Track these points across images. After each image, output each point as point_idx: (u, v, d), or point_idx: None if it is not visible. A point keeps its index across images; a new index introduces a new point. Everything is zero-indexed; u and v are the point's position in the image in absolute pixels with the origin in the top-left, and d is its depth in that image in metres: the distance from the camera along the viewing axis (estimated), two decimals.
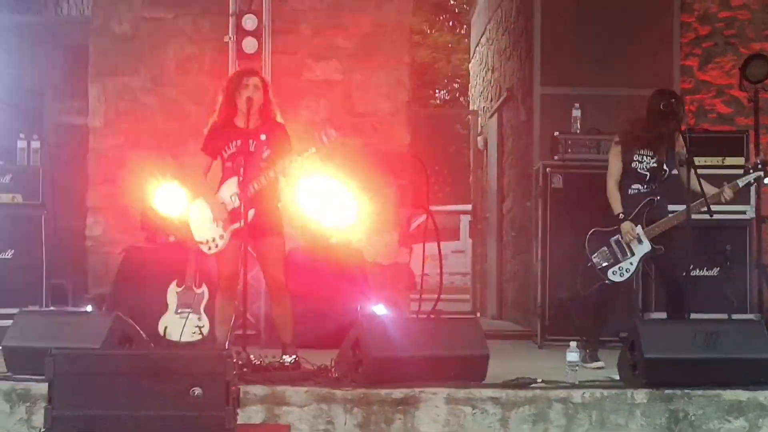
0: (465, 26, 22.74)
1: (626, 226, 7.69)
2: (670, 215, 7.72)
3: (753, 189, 8.90)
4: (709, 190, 7.60)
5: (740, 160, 9.13)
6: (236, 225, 7.18)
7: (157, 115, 9.77)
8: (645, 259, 7.77)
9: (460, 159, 21.59)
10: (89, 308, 8.52)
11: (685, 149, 7.73)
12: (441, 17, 26.51)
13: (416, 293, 8.64)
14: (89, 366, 5.25)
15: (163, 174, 9.36)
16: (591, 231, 7.80)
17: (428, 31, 25.50)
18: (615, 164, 7.85)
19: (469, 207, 16.06)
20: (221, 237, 7.29)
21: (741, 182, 7.82)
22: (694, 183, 7.57)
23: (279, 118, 7.43)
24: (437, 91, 26.68)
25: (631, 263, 7.72)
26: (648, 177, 7.76)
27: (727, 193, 7.69)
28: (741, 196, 8.31)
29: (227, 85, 7.43)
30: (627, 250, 7.71)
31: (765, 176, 7.89)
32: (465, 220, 18.11)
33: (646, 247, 7.70)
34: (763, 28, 11.29)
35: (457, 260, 18.02)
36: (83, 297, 9.06)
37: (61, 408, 5.22)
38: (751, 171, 7.94)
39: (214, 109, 7.44)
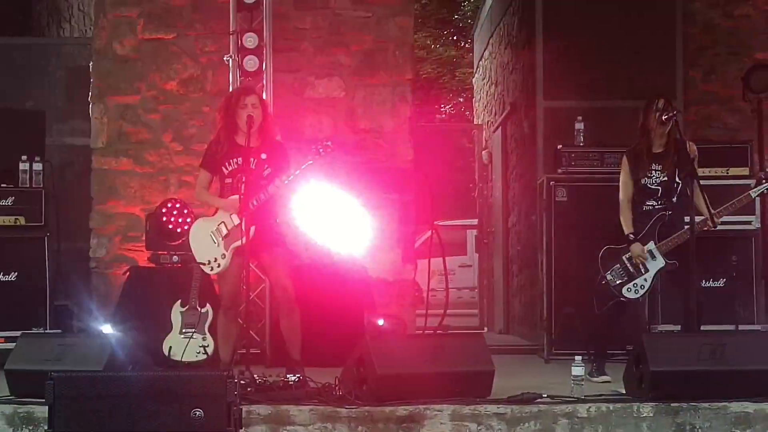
0: (469, 40, 22.72)
1: (636, 248, 7.57)
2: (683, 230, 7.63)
3: (758, 200, 8.81)
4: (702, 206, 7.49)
5: (745, 171, 9.07)
6: (237, 243, 7.18)
7: (160, 135, 9.76)
8: (660, 274, 7.68)
9: (467, 173, 21.57)
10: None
11: (696, 153, 7.66)
12: (445, 32, 26.50)
13: (423, 309, 8.63)
14: (89, 389, 5.23)
15: (166, 194, 9.40)
16: (604, 248, 7.69)
17: (432, 46, 25.48)
18: (626, 182, 7.73)
19: (475, 221, 16.04)
20: (223, 256, 7.29)
21: (754, 193, 7.73)
22: (698, 199, 7.47)
23: (278, 138, 7.46)
24: (442, 105, 26.65)
25: (645, 279, 7.61)
26: (660, 192, 7.62)
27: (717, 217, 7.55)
28: (746, 207, 8.24)
29: (225, 103, 7.47)
30: (641, 266, 7.61)
31: None
32: (472, 234, 18.09)
33: (660, 262, 7.59)
34: (766, 38, 11.20)
35: (465, 275, 17.96)
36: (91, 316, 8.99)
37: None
38: (764, 182, 7.80)
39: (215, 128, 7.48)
